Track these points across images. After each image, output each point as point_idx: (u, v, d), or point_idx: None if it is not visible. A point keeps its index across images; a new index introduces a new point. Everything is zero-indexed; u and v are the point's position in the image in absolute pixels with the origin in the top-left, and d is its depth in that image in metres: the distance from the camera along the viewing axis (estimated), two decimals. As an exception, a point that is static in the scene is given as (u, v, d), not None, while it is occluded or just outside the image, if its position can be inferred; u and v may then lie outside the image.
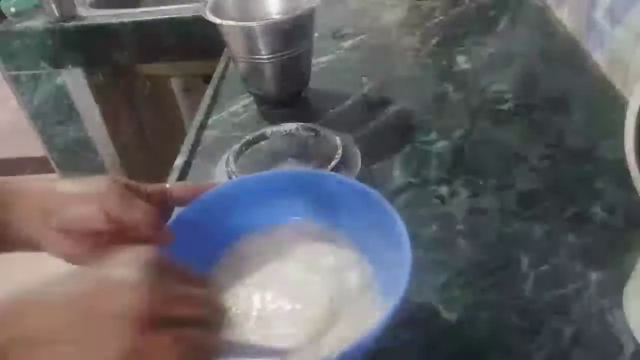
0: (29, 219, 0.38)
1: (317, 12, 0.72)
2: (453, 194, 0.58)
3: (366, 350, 0.35)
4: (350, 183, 0.45)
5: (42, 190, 0.39)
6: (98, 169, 1.35)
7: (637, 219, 0.52)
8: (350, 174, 0.55)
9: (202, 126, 0.75)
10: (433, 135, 0.67)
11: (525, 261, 0.49)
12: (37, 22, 1.19)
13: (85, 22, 1.18)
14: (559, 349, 0.42)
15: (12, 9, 1.19)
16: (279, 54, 0.71)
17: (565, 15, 0.90)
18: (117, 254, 0.30)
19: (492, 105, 0.72)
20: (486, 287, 0.48)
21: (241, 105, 0.79)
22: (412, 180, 0.61)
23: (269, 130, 0.62)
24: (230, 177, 0.56)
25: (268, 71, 0.73)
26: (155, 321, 0.27)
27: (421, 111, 0.73)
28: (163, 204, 0.42)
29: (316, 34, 0.77)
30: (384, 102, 0.75)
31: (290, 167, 0.60)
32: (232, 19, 0.71)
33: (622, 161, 0.40)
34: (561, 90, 0.74)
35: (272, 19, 0.74)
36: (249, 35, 0.70)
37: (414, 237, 0.37)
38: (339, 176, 0.48)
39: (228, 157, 0.58)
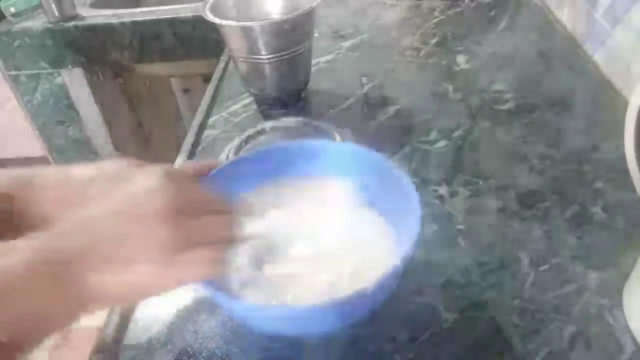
0: (45, 207, 0.38)
1: (317, 12, 0.72)
2: (453, 194, 0.58)
3: (397, 281, 0.39)
4: (356, 146, 0.49)
5: (56, 178, 0.39)
6: (98, 169, 1.35)
7: (637, 219, 0.52)
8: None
9: (202, 126, 0.75)
10: (433, 135, 0.67)
11: (525, 261, 0.49)
12: (37, 22, 1.19)
13: (85, 22, 1.18)
14: (559, 349, 0.42)
15: (12, 9, 1.19)
16: (279, 54, 0.71)
17: (565, 15, 0.90)
18: (140, 169, 0.37)
19: (492, 105, 0.72)
20: (486, 287, 0.47)
21: (241, 105, 0.79)
22: (412, 180, 0.60)
23: (268, 125, 0.62)
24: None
25: (268, 71, 0.73)
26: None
27: (421, 111, 0.73)
28: None
29: (316, 34, 0.77)
30: (384, 102, 0.75)
31: None
32: (232, 19, 0.71)
33: (622, 161, 0.40)
34: (561, 90, 0.74)
35: (272, 19, 0.74)
36: (249, 35, 0.70)
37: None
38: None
39: (229, 152, 0.59)
